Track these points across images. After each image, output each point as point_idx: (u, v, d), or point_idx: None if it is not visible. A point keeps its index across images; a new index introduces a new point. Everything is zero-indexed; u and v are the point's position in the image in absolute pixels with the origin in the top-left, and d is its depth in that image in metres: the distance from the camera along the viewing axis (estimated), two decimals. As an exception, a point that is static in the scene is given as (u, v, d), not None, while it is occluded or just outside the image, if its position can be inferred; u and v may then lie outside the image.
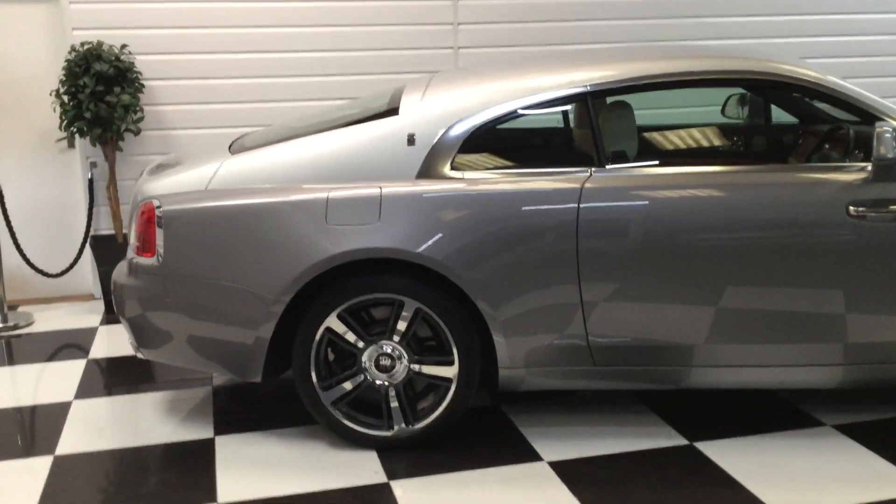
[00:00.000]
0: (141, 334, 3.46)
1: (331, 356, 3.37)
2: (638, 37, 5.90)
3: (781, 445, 3.29)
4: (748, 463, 3.18)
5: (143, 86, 5.30)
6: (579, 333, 3.23)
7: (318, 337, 3.27)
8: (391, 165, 3.26)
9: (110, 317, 5.23)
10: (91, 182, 5.39)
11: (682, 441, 3.35)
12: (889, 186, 3.13)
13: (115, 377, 4.20)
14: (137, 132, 5.30)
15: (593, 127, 3.29)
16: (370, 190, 3.22)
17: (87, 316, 5.25)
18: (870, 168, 3.16)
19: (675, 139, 4.13)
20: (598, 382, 3.33)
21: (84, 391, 4.02)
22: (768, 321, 3.19)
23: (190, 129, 5.53)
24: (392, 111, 3.41)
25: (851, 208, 3.11)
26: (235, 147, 3.66)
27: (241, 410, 3.75)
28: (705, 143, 3.67)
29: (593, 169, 3.22)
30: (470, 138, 3.28)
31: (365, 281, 3.22)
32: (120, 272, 3.56)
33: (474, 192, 3.20)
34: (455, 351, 3.26)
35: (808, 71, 3.30)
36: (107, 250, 5.36)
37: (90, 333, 4.90)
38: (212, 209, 3.27)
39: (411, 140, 3.28)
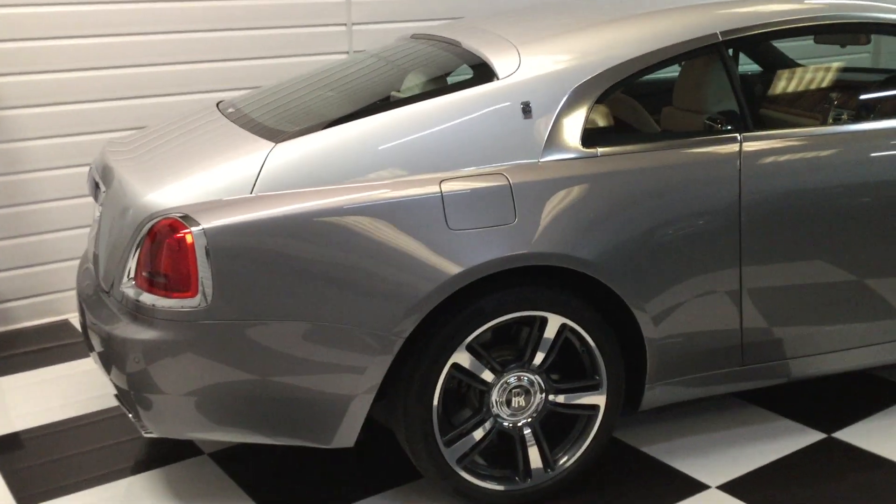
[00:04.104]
0: (166, 406, 2.41)
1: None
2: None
3: (905, 421, 3.10)
4: (889, 442, 2.93)
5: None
6: (734, 330, 2.75)
7: (442, 378, 2.48)
8: (506, 145, 2.53)
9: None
10: None
11: (819, 434, 3.01)
12: None
13: None
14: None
15: (733, 83, 2.82)
16: (496, 180, 2.48)
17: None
18: None
19: (818, 93, 3.73)
20: (738, 384, 2.87)
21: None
22: (888, 293, 2.94)
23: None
24: (484, 74, 2.68)
25: None
26: (243, 121, 2.71)
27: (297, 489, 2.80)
28: (854, 97, 3.34)
29: (741, 135, 2.74)
30: (599, 103, 2.66)
31: (503, 298, 2.48)
32: (113, 322, 2.47)
33: (620, 171, 2.58)
34: (604, 372, 2.64)
35: None
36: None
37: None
38: (283, 222, 2.33)
39: (527, 110, 2.58)
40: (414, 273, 2.38)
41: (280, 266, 2.34)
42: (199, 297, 2.32)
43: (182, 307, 2.34)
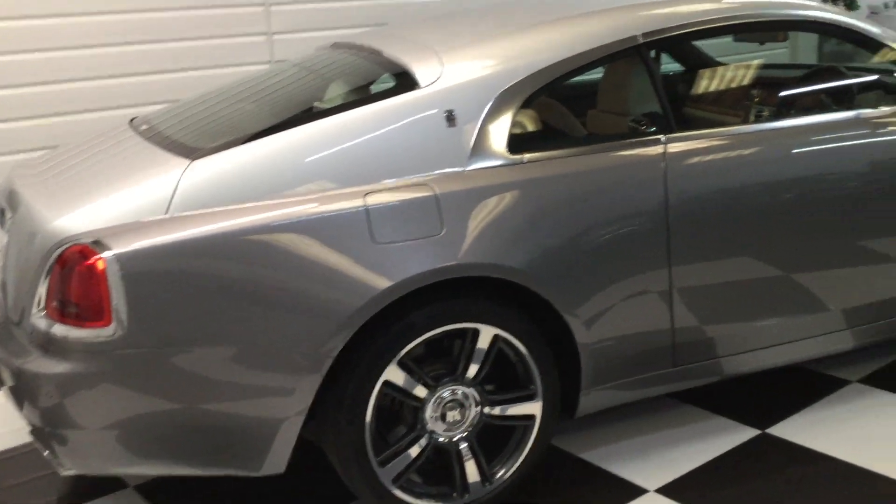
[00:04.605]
0: (85, 441, 2.29)
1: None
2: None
3: (836, 411, 3.10)
4: (822, 435, 2.96)
5: None
6: (665, 331, 2.74)
7: (374, 396, 2.41)
8: (431, 155, 2.48)
9: None
10: None
11: (753, 431, 3.02)
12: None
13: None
14: None
15: (655, 85, 2.81)
16: (421, 191, 2.42)
17: None
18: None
19: (739, 91, 3.75)
20: (673, 385, 2.87)
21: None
22: (832, 286, 2.98)
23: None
24: (405, 83, 2.62)
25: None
26: (157, 139, 2.60)
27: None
28: (774, 93, 3.35)
29: (665, 136, 2.73)
30: (522, 108, 2.62)
31: (433, 312, 2.42)
32: (23, 355, 2.34)
33: (547, 177, 2.54)
34: (538, 381, 2.60)
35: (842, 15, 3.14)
36: None
37: None
38: (200, 243, 2.23)
39: (451, 118, 2.53)
40: (340, 290, 2.30)
41: (200, 289, 2.25)
42: (113, 325, 2.21)
43: (97, 337, 2.22)
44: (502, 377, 2.62)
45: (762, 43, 3.69)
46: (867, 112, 3.03)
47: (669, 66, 4.32)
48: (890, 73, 3.31)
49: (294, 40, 4.85)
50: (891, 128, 3.00)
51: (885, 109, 3.05)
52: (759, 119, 3.22)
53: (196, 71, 4.69)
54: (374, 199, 2.37)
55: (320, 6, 4.85)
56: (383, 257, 2.34)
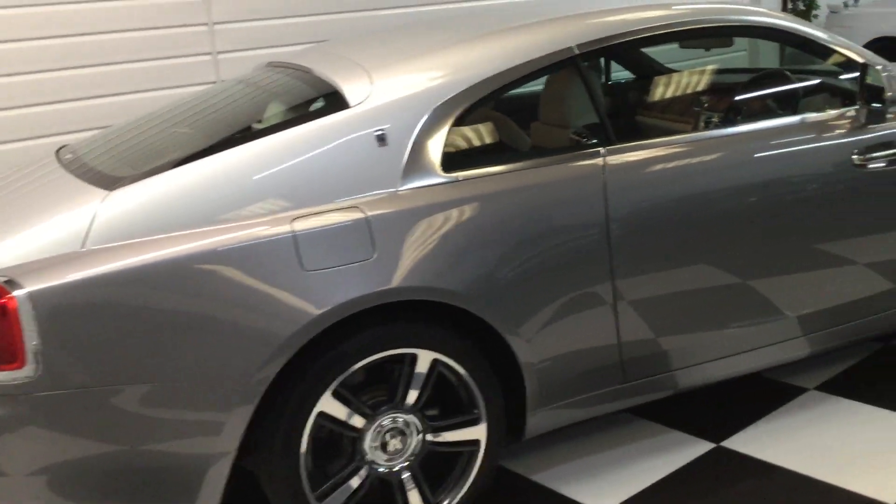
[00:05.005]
0: (10, 488, 2.18)
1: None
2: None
3: (792, 421, 3.05)
4: (777, 446, 2.91)
5: None
6: (612, 347, 2.68)
7: (307, 431, 2.32)
8: (362, 176, 2.40)
9: None
10: None
11: (708, 444, 2.97)
12: (880, 130, 2.98)
13: None
14: None
15: (592, 96, 2.75)
16: (351, 214, 2.35)
17: None
18: (859, 113, 2.97)
19: (687, 98, 3.69)
20: (624, 402, 2.80)
21: None
22: (784, 293, 2.93)
23: None
24: (334, 102, 2.55)
25: (855, 157, 2.95)
26: (83, 172, 2.51)
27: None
28: (722, 100, 3.31)
29: (605, 148, 2.67)
30: (455, 125, 2.55)
31: (367, 338, 2.34)
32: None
33: (483, 195, 2.48)
34: (482, 405, 2.52)
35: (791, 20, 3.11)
36: None
37: None
38: (119, 277, 2.14)
39: (382, 138, 2.46)
40: (268, 320, 2.22)
41: (121, 325, 2.15)
42: (29, 367, 2.11)
43: (12, 380, 2.12)
44: (446, 402, 2.55)
45: (707, 49, 3.66)
46: (813, 116, 3.00)
47: (619, 74, 4.29)
48: (835, 76, 3.29)
49: (240, 59, 4.76)
50: (838, 131, 2.97)
51: (831, 113, 3.02)
52: (708, 126, 3.18)
53: (141, 93, 4.59)
54: (301, 225, 2.29)
55: (264, 24, 4.77)
56: (312, 284, 2.26)
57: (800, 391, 3.28)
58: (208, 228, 2.26)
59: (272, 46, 4.79)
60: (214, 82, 4.73)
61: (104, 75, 4.43)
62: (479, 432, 2.53)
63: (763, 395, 3.28)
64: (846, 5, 9.57)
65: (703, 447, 2.96)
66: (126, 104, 4.53)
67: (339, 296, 2.26)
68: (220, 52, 4.73)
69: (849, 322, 3.10)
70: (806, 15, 9.88)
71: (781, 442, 2.95)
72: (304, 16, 4.83)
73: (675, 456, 2.92)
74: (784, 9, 9.28)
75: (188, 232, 2.25)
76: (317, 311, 2.24)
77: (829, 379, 3.35)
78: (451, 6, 5.20)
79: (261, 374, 2.22)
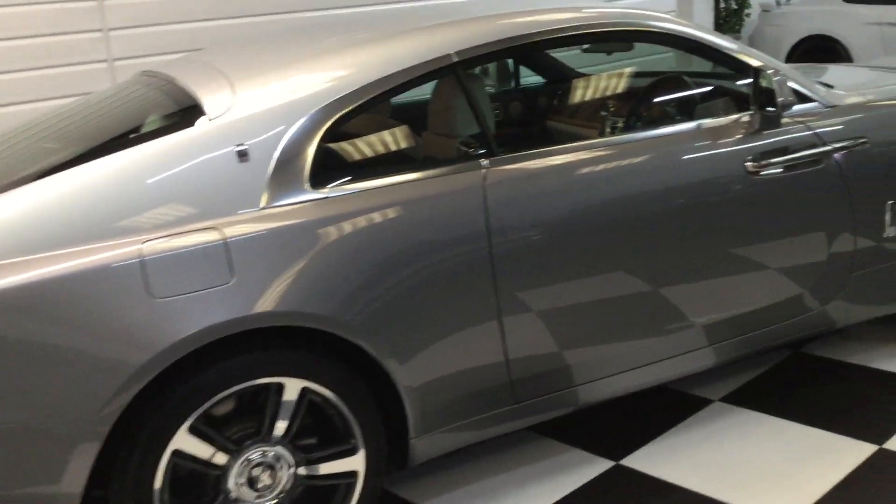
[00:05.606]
0: None
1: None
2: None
3: (695, 435, 2.96)
4: (677, 464, 2.82)
5: None
6: (499, 366, 2.56)
7: (162, 469, 2.16)
8: (220, 195, 2.24)
9: None
10: None
11: (607, 463, 2.86)
12: (774, 136, 2.90)
13: None
14: None
15: (473, 106, 2.62)
16: (206, 236, 2.19)
17: None
18: (753, 119, 2.89)
19: (576, 105, 3.55)
20: (516, 423, 2.68)
21: None
22: (686, 302, 2.84)
23: None
24: (193, 115, 2.38)
25: (748, 164, 2.87)
26: None
27: None
28: (611, 108, 3.18)
29: (489, 160, 2.55)
30: (326, 138, 2.41)
31: (227, 369, 2.18)
32: None
33: (355, 211, 2.34)
34: (359, 433, 2.38)
35: (678, 23, 3.00)
36: None
37: None
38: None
39: (243, 153, 2.30)
40: (115, 351, 2.05)
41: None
42: None
43: None
44: (322, 431, 2.41)
45: (609, 54, 3.56)
46: (707, 122, 2.91)
47: (528, 79, 4.18)
48: (733, 80, 3.21)
49: (137, 66, 4.56)
50: (731, 137, 2.89)
51: (725, 118, 2.93)
52: (613, 131, 3.08)
53: (36, 103, 4.38)
54: (151, 249, 2.12)
55: (160, 29, 4.58)
56: (162, 312, 2.09)
57: (705, 403, 3.20)
58: (53, 253, 2.09)
59: (169, 52, 4.61)
60: (111, 91, 4.54)
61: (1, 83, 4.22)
62: (356, 463, 2.39)
63: (667, 406, 3.19)
64: (778, 4, 9.63)
65: (601, 466, 2.86)
66: (20, 114, 4.32)
67: (190, 324, 2.10)
68: (116, 59, 4.53)
69: (756, 330, 3.02)
70: (738, 14, 9.94)
71: (683, 458, 2.86)
72: (202, 20, 4.65)
73: (572, 477, 2.81)
74: (716, 8, 9.32)
75: (31, 257, 2.07)
76: (165, 342, 2.07)
77: (736, 389, 3.27)
78: (358, 9, 5.07)
79: (108, 409, 2.05)
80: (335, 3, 5.06)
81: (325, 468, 2.37)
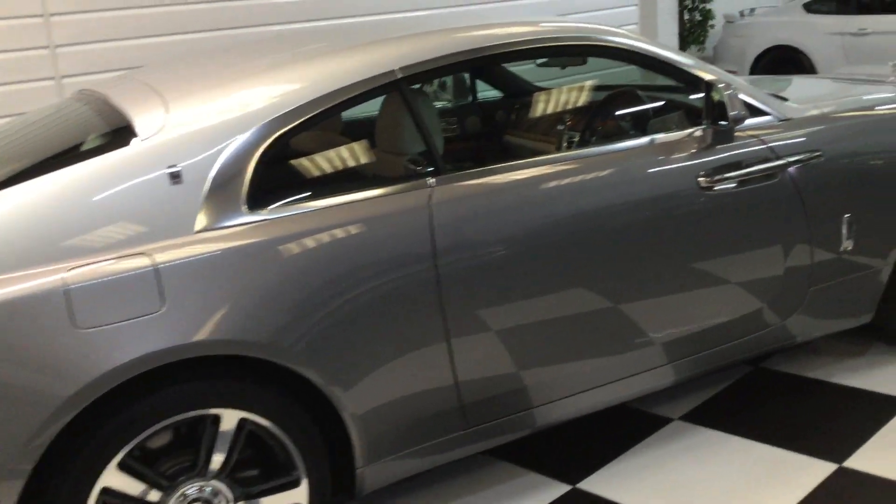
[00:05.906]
0: None
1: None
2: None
3: (654, 455, 2.90)
4: (636, 486, 2.75)
5: None
6: (449, 390, 2.47)
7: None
8: (151, 219, 2.15)
9: None
10: None
11: (564, 487, 2.79)
12: (727, 150, 2.84)
13: None
14: None
15: (419, 123, 2.55)
16: (135, 263, 2.09)
17: None
18: (706, 133, 2.83)
19: (531, 120, 3.45)
20: (468, 448, 2.60)
21: None
22: (643, 320, 2.77)
23: None
24: (124, 135, 2.29)
25: (701, 179, 2.81)
26: None
27: None
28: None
29: (433, 180, 2.47)
30: (264, 158, 2.32)
31: (158, 402, 2.08)
32: None
33: (294, 234, 2.25)
34: (301, 464, 2.29)
35: (630, 38, 2.94)
36: None
37: None
38: None
39: (175, 175, 2.21)
40: (40, 384, 1.95)
41: None
42: None
43: None
44: (263, 463, 2.31)
45: (563, 67, 3.51)
46: (660, 137, 2.85)
47: (486, 94, 4.12)
48: (686, 94, 3.16)
49: (84, 83, 4.44)
50: (684, 152, 2.83)
51: (678, 133, 2.87)
52: (568, 147, 3.02)
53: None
54: (76, 277, 2.02)
55: (109, 45, 4.48)
56: (88, 342, 1.99)
57: (664, 422, 3.14)
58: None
59: (118, 69, 4.50)
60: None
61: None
62: (299, 495, 2.29)
63: (626, 426, 3.12)
64: (742, 15, 9.68)
65: (558, 490, 2.78)
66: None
67: (118, 355, 2.00)
68: (63, 76, 4.41)
69: (716, 346, 2.96)
70: (703, 25, 9.99)
71: (642, 480, 2.79)
72: (151, 37, 4.55)
73: (528, 502, 2.72)
74: (680, 19, 9.35)
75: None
76: (91, 373, 1.97)
77: (696, 407, 3.21)
78: (307, 24, 4.99)
79: (32, 444, 1.95)
80: (287, 17, 4.99)
81: (267, 502, 2.28)
